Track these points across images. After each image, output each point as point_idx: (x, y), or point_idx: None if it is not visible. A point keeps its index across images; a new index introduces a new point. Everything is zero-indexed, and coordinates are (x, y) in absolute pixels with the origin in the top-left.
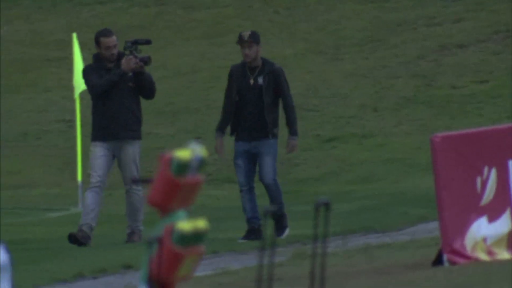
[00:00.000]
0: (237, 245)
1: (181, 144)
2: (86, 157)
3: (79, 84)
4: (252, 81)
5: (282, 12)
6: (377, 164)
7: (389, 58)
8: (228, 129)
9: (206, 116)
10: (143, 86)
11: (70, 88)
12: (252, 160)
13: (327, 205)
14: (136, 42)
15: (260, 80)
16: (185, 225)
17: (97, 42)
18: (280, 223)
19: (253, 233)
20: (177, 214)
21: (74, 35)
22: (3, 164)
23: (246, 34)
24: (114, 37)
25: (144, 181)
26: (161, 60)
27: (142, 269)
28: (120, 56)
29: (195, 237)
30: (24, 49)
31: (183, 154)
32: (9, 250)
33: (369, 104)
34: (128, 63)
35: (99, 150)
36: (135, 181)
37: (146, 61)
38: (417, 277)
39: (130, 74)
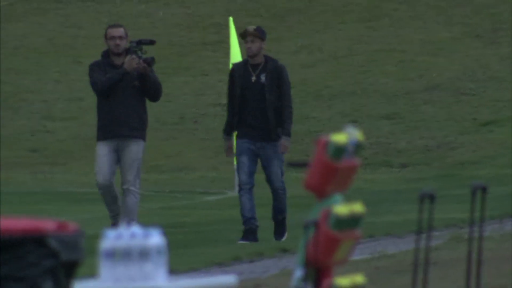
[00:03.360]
0: (394, 228)
1: (337, 128)
2: None
3: None
4: (254, 79)
5: None
6: None
7: None
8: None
9: (363, 99)
10: (147, 87)
11: (226, 72)
12: (255, 160)
13: (483, 189)
14: (140, 42)
15: (263, 77)
16: (341, 209)
17: (105, 35)
18: (281, 227)
19: (251, 233)
20: (333, 198)
21: (231, 19)
22: (162, 147)
23: (251, 27)
24: (121, 29)
25: (300, 164)
26: (318, 43)
27: (299, 253)
28: (127, 54)
29: (352, 221)
30: (181, 33)
31: (340, 138)
32: (165, 234)
33: None
34: (131, 62)
35: (102, 149)
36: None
37: (149, 62)
38: None
39: (135, 73)
